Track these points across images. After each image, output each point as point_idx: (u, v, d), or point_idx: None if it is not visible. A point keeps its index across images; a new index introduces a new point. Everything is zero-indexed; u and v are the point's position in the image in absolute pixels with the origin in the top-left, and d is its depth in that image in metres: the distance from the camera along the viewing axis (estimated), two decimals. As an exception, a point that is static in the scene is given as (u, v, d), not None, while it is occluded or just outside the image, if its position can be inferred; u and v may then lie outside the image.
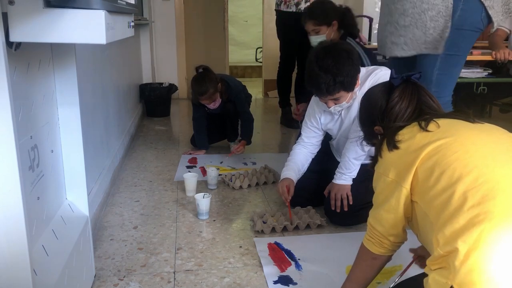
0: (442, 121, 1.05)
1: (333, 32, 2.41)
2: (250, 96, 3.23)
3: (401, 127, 1.08)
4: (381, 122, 1.16)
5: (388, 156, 1.07)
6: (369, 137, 1.28)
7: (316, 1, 2.54)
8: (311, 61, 1.79)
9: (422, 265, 1.31)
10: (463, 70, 2.64)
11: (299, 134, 2.18)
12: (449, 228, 0.86)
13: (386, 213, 1.06)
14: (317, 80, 1.73)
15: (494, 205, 0.83)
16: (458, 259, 0.82)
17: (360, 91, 1.84)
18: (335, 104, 1.82)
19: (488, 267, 0.80)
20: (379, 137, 1.20)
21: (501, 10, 2.01)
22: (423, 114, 1.10)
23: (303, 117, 2.16)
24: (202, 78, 2.74)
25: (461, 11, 1.97)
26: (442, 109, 1.17)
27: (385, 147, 1.08)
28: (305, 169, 2.08)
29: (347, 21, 2.43)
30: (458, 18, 1.97)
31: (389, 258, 1.16)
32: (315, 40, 2.39)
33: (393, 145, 1.06)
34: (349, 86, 1.76)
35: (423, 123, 1.04)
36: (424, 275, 0.94)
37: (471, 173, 0.89)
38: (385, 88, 1.19)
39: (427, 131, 1.02)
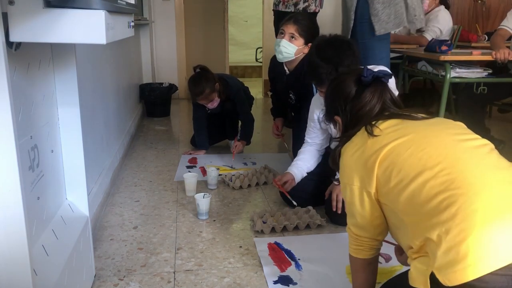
0: (387, 123, 1.08)
1: (303, 54, 2.33)
2: (252, 98, 3.22)
3: (353, 134, 1.12)
4: (343, 113, 1.18)
5: (347, 164, 1.10)
6: (329, 119, 1.29)
7: (306, 16, 2.41)
8: (312, 53, 1.80)
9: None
10: (463, 70, 2.65)
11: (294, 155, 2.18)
12: (419, 219, 0.90)
13: (364, 219, 1.09)
14: (318, 70, 1.74)
15: (456, 188, 0.87)
16: (434, 245, 0.85)
17: None
18: None
19: (460, 246, 0.82)
20: (337, 127, 1.23)
21: (392, 21, 2.36)
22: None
23: (290, 139, 2.19)
24: (199, 78, 2.73)
25: (355, 11, 2.40)
26: (402, 107, 1.19)
27: (344, 155, 1.12)
28: (313, 164, 2.10)
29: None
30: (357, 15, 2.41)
31: (379, 254, 1.20)
32: (283, 44, 2.30)
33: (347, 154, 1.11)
34: None
35: (369, 128, 1.07)
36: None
37: (427, 164, 0.93)
38: (356, 79, 1.19)
39: (374, 136, 1.05)
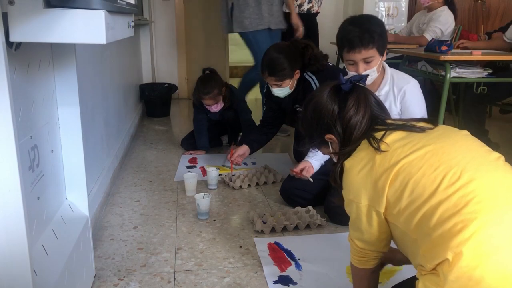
0: (393, 136, 1.03)
1: (296, 80, 2.29)
2: (250, 112, 3.14)
3: (353, 149, 1.07)
4: (336, 130, 1.13)
5: (354, 181, 1.05)
6: (318, 145, 1.24)
7: (273, 56, 2.24)
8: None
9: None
10: (463, 70, 2.65)
11: None
12: (433, 244, 0.88)
13: (372, 235, 1.07)
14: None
15: (468, 213, 0.85)
16: (446, 268, 0.84)
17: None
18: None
19: (474, 272, 0.81)
20: (330, 146, 1.18)
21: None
22: (374, 123, 1.09)
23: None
24: (209, 78, 2.77)
25: None
26: (387, 111, 1.16)
27: (350, 172, 1.06)
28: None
29: (308, 62, 2.29)
30: None
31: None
32: (277, 92, 2.30)
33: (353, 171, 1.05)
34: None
35: (374, 143, 1.03)
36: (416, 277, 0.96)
37: (440, 185, 0.91)
38: (333, 92, 1.15)
39: (382, 151, 1.01)
